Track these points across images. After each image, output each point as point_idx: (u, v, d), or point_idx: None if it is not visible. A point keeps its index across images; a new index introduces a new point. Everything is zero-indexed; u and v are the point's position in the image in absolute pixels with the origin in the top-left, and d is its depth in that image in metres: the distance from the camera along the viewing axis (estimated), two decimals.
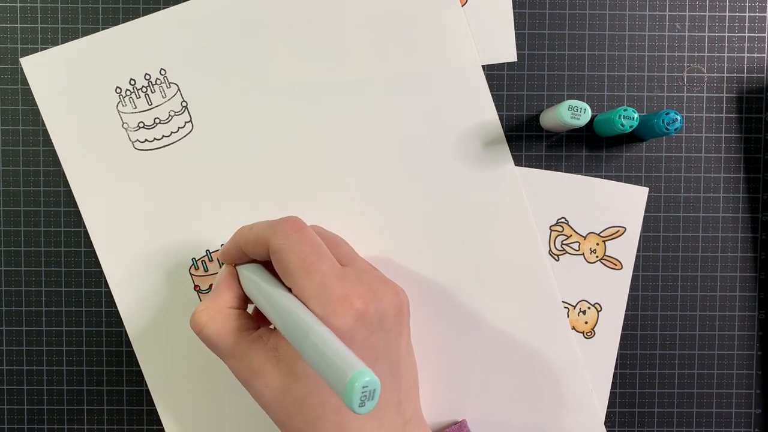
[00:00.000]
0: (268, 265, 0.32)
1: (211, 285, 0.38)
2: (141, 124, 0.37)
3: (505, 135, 0.38)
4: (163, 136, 0.37)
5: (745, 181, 0.38)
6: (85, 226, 0.38)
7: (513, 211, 0.38)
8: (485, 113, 0.38)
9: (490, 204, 0.38)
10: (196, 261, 0.38)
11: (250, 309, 0.33)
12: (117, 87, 0.37)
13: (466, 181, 0.38)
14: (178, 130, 0.37)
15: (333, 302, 0.28)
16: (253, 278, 0.31)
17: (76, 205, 0.38)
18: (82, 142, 0.37)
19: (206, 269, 0.38)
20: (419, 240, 0.38)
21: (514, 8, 0.38)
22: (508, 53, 0.38)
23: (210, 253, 0.37)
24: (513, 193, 0.38)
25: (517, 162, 0.38)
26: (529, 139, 0.38)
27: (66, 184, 0.38)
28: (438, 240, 0.38)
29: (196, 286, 0.38)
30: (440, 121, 0.38)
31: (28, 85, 0.37)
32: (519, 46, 0.38)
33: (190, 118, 0.37)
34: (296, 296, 0.29)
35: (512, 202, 0.38)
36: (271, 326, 0.31)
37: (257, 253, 0.31)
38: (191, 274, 0.38)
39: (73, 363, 0.38)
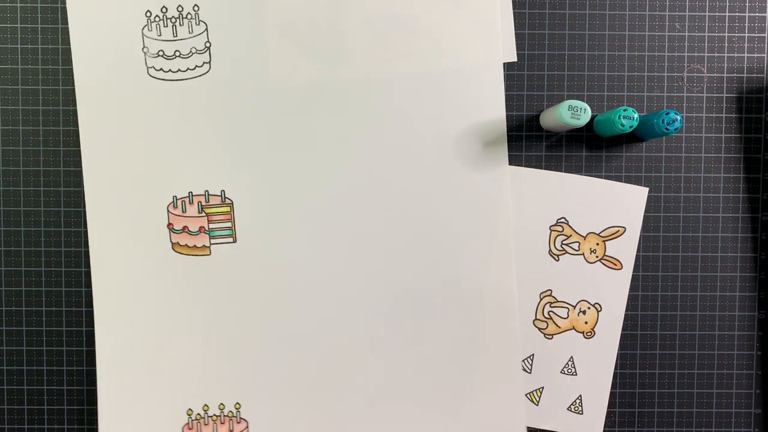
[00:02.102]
0: None
1: (184, 227, 0.37)
2: (161, 53, 0.37)
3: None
4: (179, 70, 0.37)
5: (745, 181, 0.38)
6: (85, 226, 0.38)
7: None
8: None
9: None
10: (176, 199, 0.37)
11: None
12: (148, 10, 0.37)
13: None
14: (195, 68, 0.37)
15: None
16: None
17: (76, 205, 0.38)
18: (101, 58, 0.37)
19: (184, 210, 0.37)
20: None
21: (514, 8, 0.38)
22: (508, 53, 0.38)
23: (192, 196, 0.37)
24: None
25: (518, 162, 0.38)
26: (529, 139, 0.38)
27: (66, 184, 0.38)
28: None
29: (169, 224, 0.37)
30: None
31: (29, 86, 0.37)
32: (519, 46, 0.38)
33: (210, 59, 0.37)
34: None
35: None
36: None
37: None
38: (168, 211, 0.37)
39: (73, 363, 0.38)
